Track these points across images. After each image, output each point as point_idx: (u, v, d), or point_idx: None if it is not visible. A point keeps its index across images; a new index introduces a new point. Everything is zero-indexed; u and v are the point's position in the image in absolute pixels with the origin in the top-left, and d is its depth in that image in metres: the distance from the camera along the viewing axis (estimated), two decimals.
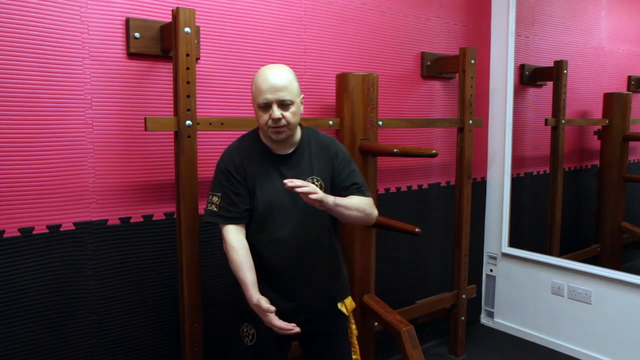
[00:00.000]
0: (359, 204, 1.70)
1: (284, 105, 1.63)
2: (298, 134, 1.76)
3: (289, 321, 1.64)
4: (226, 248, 1.69)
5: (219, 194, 1.70)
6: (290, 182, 1.50)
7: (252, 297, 1.61)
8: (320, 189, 1.68)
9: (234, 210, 1.68)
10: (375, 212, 1.77)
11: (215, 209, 1.69)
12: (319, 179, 1.73)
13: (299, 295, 1.74)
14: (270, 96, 1.62)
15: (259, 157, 1.72)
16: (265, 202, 1.69)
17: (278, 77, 1.63)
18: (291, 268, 1.72)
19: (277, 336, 1.72)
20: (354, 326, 1.92)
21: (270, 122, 1.63)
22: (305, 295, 1.74)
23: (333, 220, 1.78)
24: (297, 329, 1.60)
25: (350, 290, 1.90)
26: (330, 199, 1.59)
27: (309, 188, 1.52)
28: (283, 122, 1.64)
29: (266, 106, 1.63)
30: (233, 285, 1.77)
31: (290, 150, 1.74)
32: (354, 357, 1.92)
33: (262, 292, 1.67)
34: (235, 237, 1.68)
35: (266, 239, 1.71)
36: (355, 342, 1.93)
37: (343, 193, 1.74)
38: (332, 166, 1.76)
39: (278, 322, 1.59)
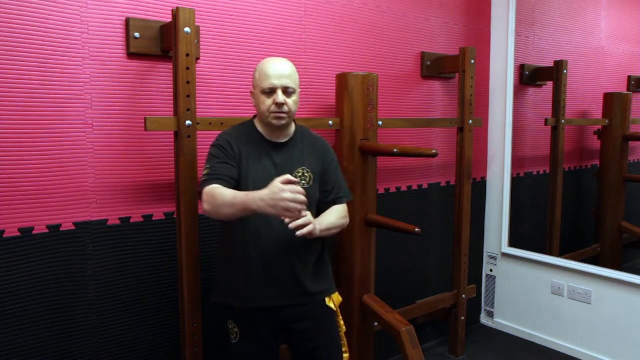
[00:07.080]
0: (337, 222, 1.80)
1: (287, 92, 1.72)
2: (292, 127, 1.85)
3: (275, 315, 1.75)
4: (209, 194, 1.61)
5: (209, 166, 1.71)
6: (293, 224, 1.54)
7: (260, 192, 1.51)
8: (310, 181, 1.79)
9: (222, 173, 1.68)
10: (347, 219, 1.87)
11: (204, 178, 1.68)
12: (308, 170, 1.80)
13: (284, 283, 1.75)
14: (276, 82, 1.69)
15: (252, 142, 1.78)
16: (255, 183, 1.69)
17: (284, 66, 1.74)
18: (277, 253, 1.73)
19: (261, 335, 1.77)
20: (342, 322, 1.95)
21: (273, 107, 1.70)
22: (288, 284, 1.76)
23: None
24: (308, 218, 1.58)
25: (335, 287, 1.92)
26: (317, 230, 1.64)
27: (307, 228, 1.56)
28: (285, 108, 1.71)
29: (271, 91, 1.71)
30: (219, 279, 1.85)
31: (284, 140, 1.81)
32: (343, 349, 1.94)
33: (244, 281, 1.74)
34: (217, 185, 1.63)
35: (254, 222, 1.71)
36: (344, 337, 1.95)
37: (327, 198, 1.84)
38: (323, 166, 1.85)
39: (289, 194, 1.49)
